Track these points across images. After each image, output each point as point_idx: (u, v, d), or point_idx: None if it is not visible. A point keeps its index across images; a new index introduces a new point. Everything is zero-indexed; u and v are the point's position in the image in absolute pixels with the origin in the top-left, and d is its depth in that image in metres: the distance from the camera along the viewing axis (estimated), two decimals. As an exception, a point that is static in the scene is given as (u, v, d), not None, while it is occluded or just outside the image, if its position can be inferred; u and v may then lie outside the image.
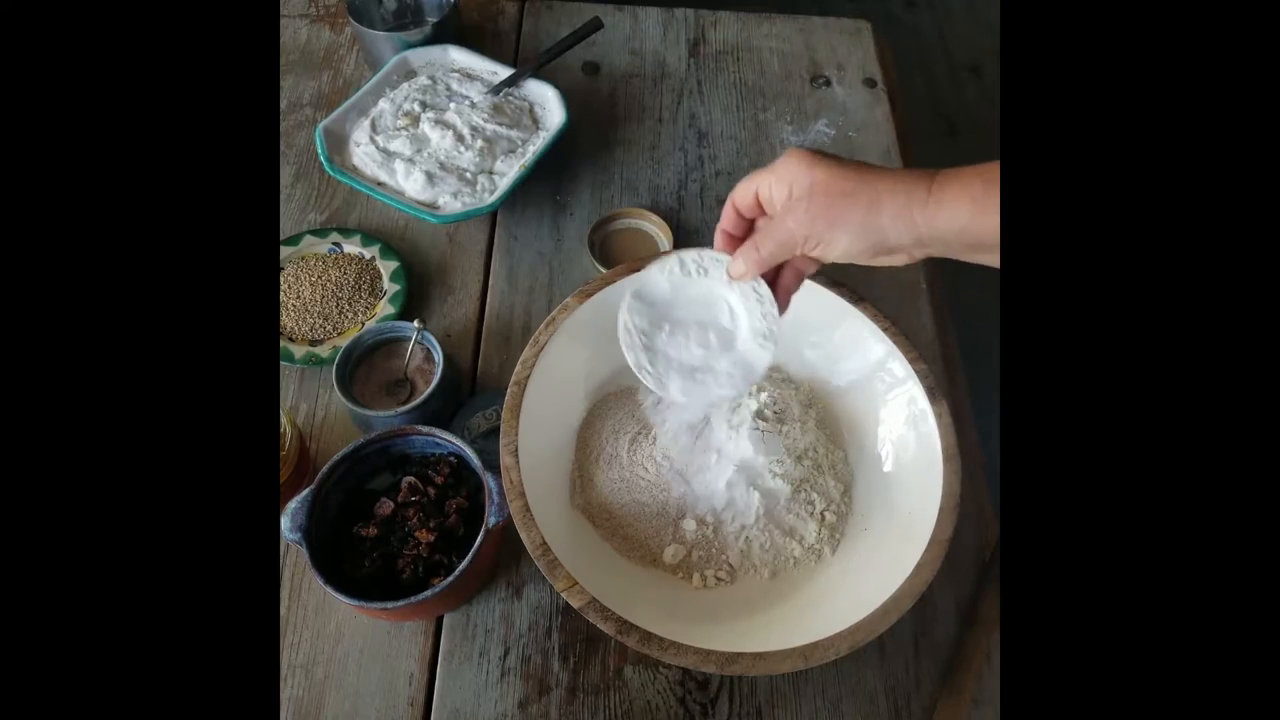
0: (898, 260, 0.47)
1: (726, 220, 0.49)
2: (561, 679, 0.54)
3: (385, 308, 0.68)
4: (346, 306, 0.67)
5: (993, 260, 0.42)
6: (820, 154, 0.45)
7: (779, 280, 0.51)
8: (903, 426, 0.57)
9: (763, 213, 0.48)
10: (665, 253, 0.49)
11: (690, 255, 0.50)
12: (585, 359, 0.60)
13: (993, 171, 0.41)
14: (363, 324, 0.67)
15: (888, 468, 0.57)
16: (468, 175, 0.73)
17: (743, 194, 0.48)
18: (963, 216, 0.41)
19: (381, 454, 0.55)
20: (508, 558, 0.58)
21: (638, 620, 0.46)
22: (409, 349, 0.62)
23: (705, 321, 0.50)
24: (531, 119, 0.78)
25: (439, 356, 0.60)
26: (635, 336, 0.50)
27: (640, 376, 0.50)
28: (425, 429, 0.54)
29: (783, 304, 0.50)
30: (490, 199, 0.71)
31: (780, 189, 0.45)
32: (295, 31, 0.90)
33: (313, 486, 0.50)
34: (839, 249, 0.45)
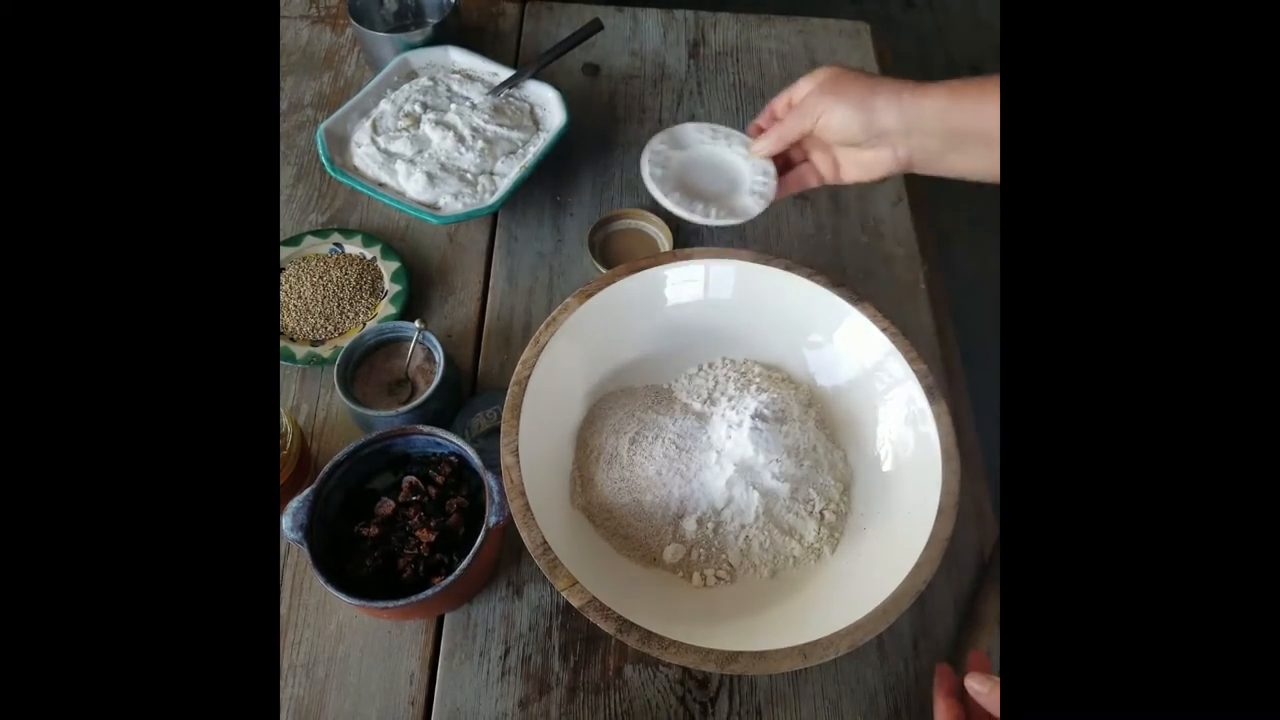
0: (882, 157, 0.54)
1: (761, 118, 0.61)
2: (562, 678, 0.54)
3: (386, 308, 0.68)
4: (348, 307, 0.68)
5: (972, 160, 0.51)
6: (842, 65, 0.56)
7: (785, 176, 0.60)
8: (902, 426, 0.57)
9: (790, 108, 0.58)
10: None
11: (722, 128, 0.63)
12: (585, 359, 0.60)
13: (972, 80, 0.50)
14: (364, 324, 0.67)
15: (887, 467, 0.57)
16: (468, 176, 0.73)
17: (778, 99, 0.59)
18: (941, 101, 0.51)
19: (382, 454, 0.55)
20: (508, 557, 0.58)
21: (638, 619, 0.46)
22: (410, 349, 0.62)
23: (718, 168, 0.62)
24: (532, 120, 0.79)
25: (440, 356, 0.61)
26: (657, 159, 0.61)
27: (649, 185, 0.60)
28: (426, 429, 0.54)
29: (780, 193, 0.60)
30: (491, 200, 0.71)
31: (807, 84, 0.56)
32: (296, 32, 0.91)
33: (314, 486, 0.50)
34: (837, 119, 0.54)
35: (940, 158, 0.53)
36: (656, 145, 0.62)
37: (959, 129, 0.51)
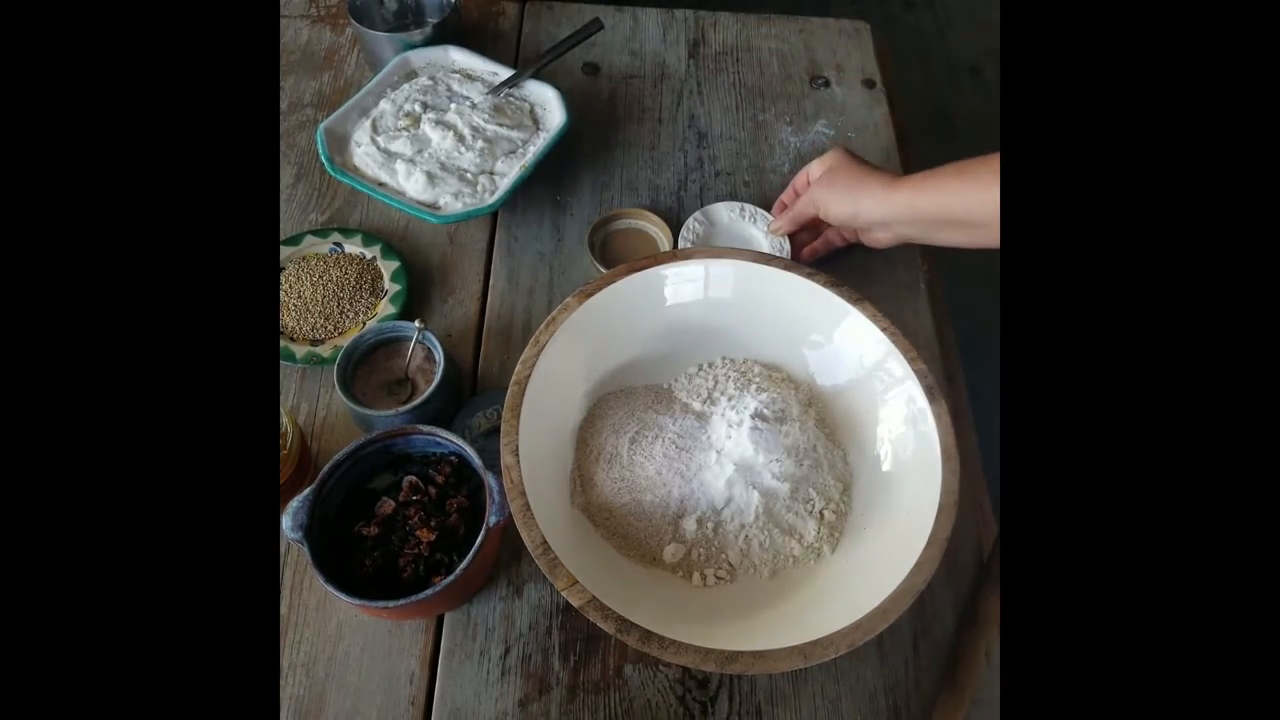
0: (881, 237, 0.66)
1: (785, 195, 0.73)
2: (562, 678, 0.54)
3: (386, 307, 0.68)
4: (347, 306, 0.68)
5: (950, 237, 0.60)
6: (850, 152, 0.66)
7: (815, 243, 0.72)
8: (902, 425, 0.57)
9: (808, 185, 0.69)
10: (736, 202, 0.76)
11: (749, 207, 0.74)
12: (585, 359, 0.60)
13: (939, 169, 0.59)
14: (364, 324, 0.67)
15: (887, 467, 0.57)
16: (468, 176, 0.73)
17: (799, 176, 0.71)
18: (906, 197, 0.60)
19: (382, 453, 0.55)
20: (508, 557, 0.58)
21: (638, 619, 0.46)
22: (410, 349, 0.62)
23: (743, 241, 0.73)
24: (532, 120, 0.79)
25: (440, 356, 0.61)
26: (691, 232, 0.73)
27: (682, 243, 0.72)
28: (426, 428, 0.54)
29: (808, 258, 0.72)
30: (491, 199, 0.71)
31: (818, 169, 0.68)
32: (296, 32, 0.91)
33: (314, 486, 0.50)
34: (833, 211, 0.65)
35: (924, 237, 0.63)
36: (692, 222, 0.73)
37: (926, 217, 0.60)
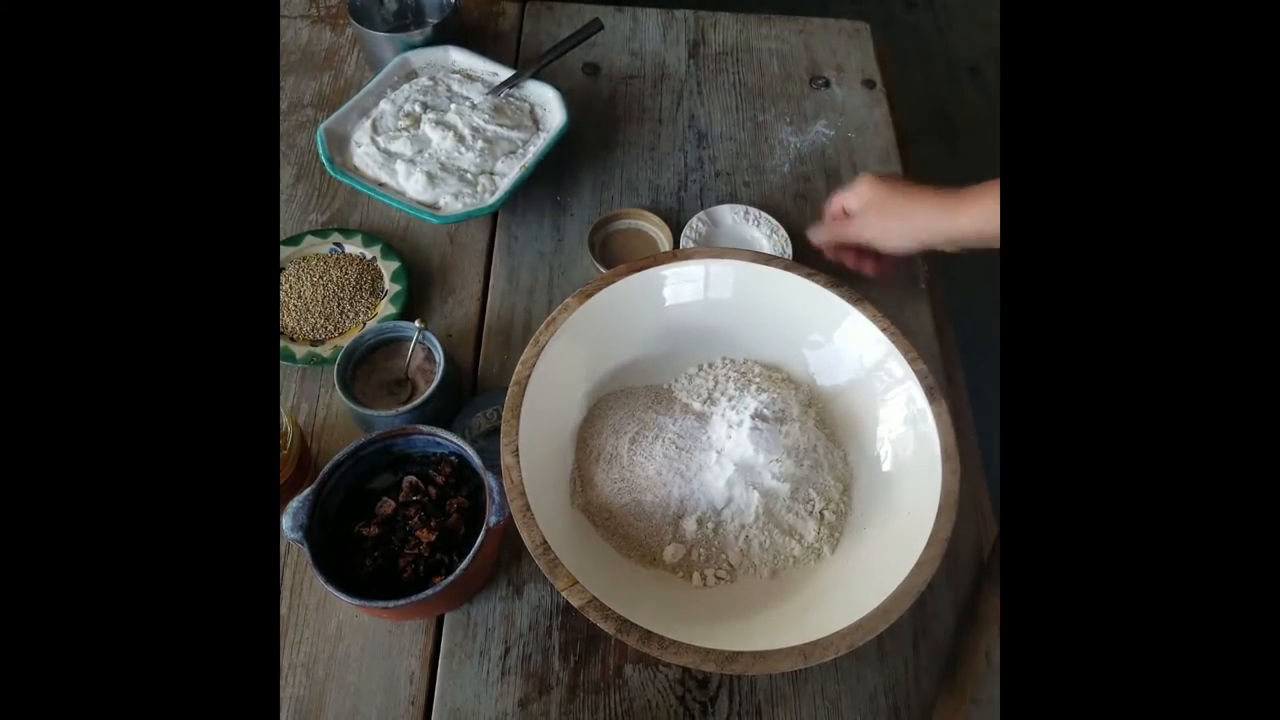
0: (948, 248, 0.63)
1: (823, 226, 0.71)
2: (562, 678, 0.54)
3: (386, 308, 0.68)
4: (348, 306, 0.68)
5: None
6: (882, 177, 0.66)
7: (870, 261, 0.70)
8: (902, 426, 0.57)
9: (845, 215, 0.68)
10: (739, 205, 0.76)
11: (754, 210, 0.75)
12: (585, 359, 0.60)
13: (991, 183, 0.57)
14: (364, 324, 0.67)
15: (887, 467, 0.57)
16: (468, 176, 0.73)
17: (834, 205, 0.69)
18: (968, 224, 0.59)
19: (382, 453, 0.55)
20: (508, 557, 0.58)
21: (638, 619, 0.46)
22: (410, 349, 0.62)
23: (744, 243, 0.74)
24: (532, 120, 0.79)
25: (440, 356, 0.61)
26: (694, 231, 0.74)
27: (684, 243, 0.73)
28: (426, 429, 0.54)
29: (882, 271, 0.70)
30: (491, 200, 0.71)
31: (855, 201, 0.67)
32: (296, 32, 0.91)
33: (314, 486, 0.50)
34: (891, 242, 0.65)
35: (995, 247, 0.57)
36: (695, 222, 0.74)
37: (995, 233, 0.56)
